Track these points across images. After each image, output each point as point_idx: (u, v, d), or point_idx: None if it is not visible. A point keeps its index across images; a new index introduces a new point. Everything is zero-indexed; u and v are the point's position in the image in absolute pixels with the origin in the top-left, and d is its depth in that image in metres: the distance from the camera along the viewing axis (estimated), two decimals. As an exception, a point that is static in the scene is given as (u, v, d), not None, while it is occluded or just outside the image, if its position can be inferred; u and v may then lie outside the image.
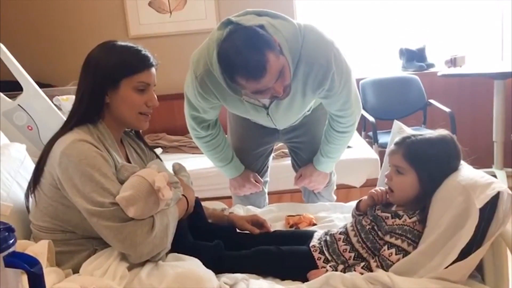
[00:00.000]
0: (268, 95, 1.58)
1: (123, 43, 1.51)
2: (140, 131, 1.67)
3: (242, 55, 1.45)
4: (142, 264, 1.38)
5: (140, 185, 1.35)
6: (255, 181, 2.13)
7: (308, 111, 1.96)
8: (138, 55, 1.48)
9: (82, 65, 1.50)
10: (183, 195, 1.56)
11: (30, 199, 1.52)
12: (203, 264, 1.40)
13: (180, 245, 1.48)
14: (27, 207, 1.54)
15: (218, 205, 1.97)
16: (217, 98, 1.77)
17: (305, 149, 2.11)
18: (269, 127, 2.00)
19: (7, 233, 1.00)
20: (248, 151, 2.12)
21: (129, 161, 1.57)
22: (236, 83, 1.53)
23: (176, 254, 1.45)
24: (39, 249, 1.36)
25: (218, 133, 1.99)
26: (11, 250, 1.00)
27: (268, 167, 2.23)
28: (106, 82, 1.46)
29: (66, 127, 1.48)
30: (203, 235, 1.59)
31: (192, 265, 1.38)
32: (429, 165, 1.45)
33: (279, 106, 1.78)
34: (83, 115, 1.47)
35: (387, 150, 1.61)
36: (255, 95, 1.60)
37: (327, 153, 2.01)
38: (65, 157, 1.37)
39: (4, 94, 2.65)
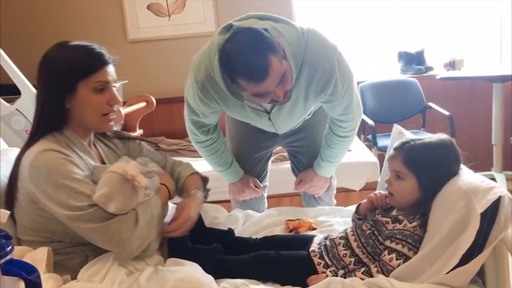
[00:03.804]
0: (268, 99, 1.57)
1: (74, 43, 1.43)
2: (116, 130, 1.62)
3: (245, 56, 1.44)
4: (141, 269, 1.37)
5: (113, 179, 1.33)
6: (255, 186, 2.12)
7: (308, 114, 1.96)
8: (91, 54, 1.41)
9: (37, 70, 1.43)
10: (161, 183, 1.53)
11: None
12: (202, 268, 1.39)
13: (179, 250, 1.47)
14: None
15: (217, 209, 1.96)
16: (218, 103, 1.76)
17: (305, 153, 2.10)
18: (269, 131, 1.99)
19: (4, 241, 1.00)
20: (248, 155, 2.11)
21: (103, 163, 1.53)
22: (237, 84, 1.52)
23: (175, 259, 1.45)
24: (38, 255, 1.34)
25: (218, 138, 1.98)
26: (8, 257, 0.99)
27: (267, 171, 2.22)
28: (62, 87, 1.40)
29: (32, 140, 1.43)
30: (201, 239, 1.58)
31: (192, 270, 1.37)
32: (429, 170, 1.44)
33: (281, 111, 1.77)
34: (47, 124, 1.43)
35: (387, 155, 1.60)
36: (255, 98, 1.59)
37: (327, 157, 2.00)
38: (34, 170, 1.34)
39: (2, 98, 2.64)
